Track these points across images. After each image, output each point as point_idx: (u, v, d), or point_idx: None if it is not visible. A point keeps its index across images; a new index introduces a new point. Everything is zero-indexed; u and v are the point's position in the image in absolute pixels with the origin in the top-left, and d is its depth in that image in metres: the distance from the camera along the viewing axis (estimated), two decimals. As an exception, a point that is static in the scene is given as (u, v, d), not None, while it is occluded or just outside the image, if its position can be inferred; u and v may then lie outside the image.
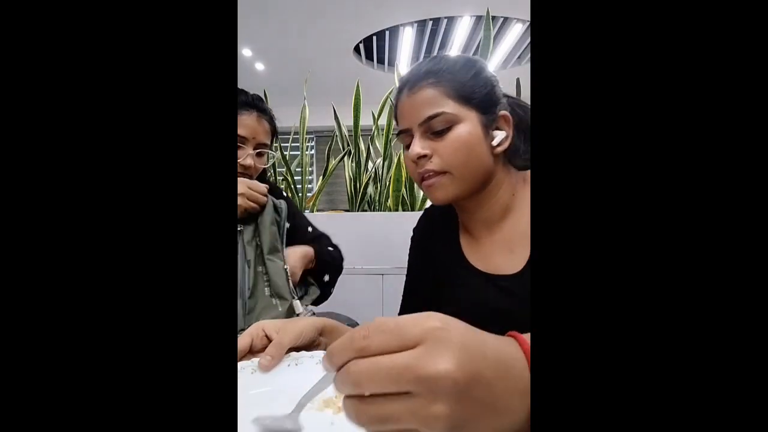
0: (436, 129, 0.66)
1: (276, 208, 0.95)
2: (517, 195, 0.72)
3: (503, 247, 0.71)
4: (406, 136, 0.70)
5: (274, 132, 1.08)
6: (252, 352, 0.53)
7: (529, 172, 0.74)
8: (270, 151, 1.05)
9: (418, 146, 0.66)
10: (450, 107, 0.66)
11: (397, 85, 0.72)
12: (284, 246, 0.95)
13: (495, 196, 0.71)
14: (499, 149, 0.69)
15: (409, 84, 0.69)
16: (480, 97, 0.67)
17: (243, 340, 0.53)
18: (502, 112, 0.70)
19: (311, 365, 0.50)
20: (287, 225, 0.99)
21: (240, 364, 0.50)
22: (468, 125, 0.66)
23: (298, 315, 0.89)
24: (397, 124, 0.72)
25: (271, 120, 1.05)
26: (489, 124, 0.68)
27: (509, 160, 0.73)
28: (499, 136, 0.68)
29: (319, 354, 0.52)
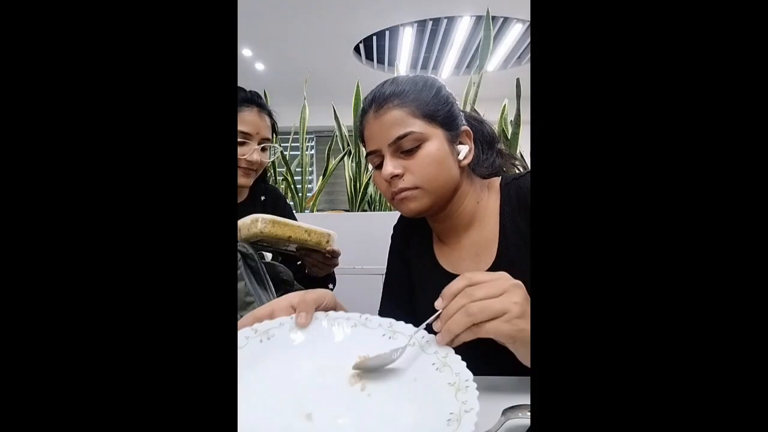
0: (406, 148, 0.68)
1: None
2: (481, 203, 0.76)
3: (470, 252, 0.76)
4: (375, 156, 0.72)
5: (275, 127, 1.10)
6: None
7: (491, 180, 0.79)
8: (273, 145, 1.08)
9: (390, 166, 0.69)
10: (417, 126, 0.68)
11: (362, 107, 0.75)
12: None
13: (462, 206, 0.74)
14: (465, 162, 0.72)
15: (375, 106, 0.71)
16: (443, 114, 0.71)
17: (263, 309, 0.56)
18: (464, 127, 0.74)
19: (347, 325, 0.56)
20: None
21: (279, 320, 0.55)
22: (435, 142, 0.69)
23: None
24: (365, 145, 0.75)
25: (270, 115, 1.07)
26: (453, 140, 0.72)
27: (473, 170, 0.77)
28: (463, 150, 0.72)
29: (355, 316, 0.58)
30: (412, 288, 0.83)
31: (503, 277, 0.50)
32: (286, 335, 0.54)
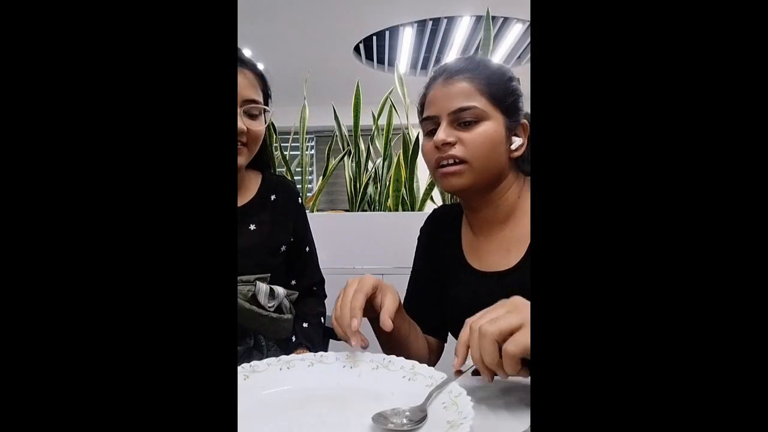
0: (465, 120, 0.69)
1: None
2: (521, 198, 0.76)
3: (500, 246, 0.75)
4: (430, 123, 0.73)
5: (266, 89, 0.90)
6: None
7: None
8: (266, 108, 0.87)
9: (443, 133, 0.69)
10: (482, 103, 0.69)
11: (432, 74, 0.76)
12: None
13: (503, 197, 0.74)
14: (516, 154, 0.73)
15: (446, 74, 0.72)
16: (509, 102, 0.72)
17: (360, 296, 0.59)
18: (523, 121, 0.74)
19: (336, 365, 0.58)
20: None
21: (302, 355, 0.59)
22: (494, 124, 0.70)
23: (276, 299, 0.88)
24: (422, 111, 0.76)
25: (256, 72, 0.88)
26: (511, 128, 0.72)
27: (520, 166, 0.78)
28: (516, 142, 0.73)
29: (378, 357, 0.58)
30: (439, 283, 0.82)
31: (512, 304, 0.51)
32: (305, 369, 0.56)
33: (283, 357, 0.57)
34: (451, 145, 0.70)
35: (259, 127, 0.85)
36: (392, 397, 0.50)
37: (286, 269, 0.97)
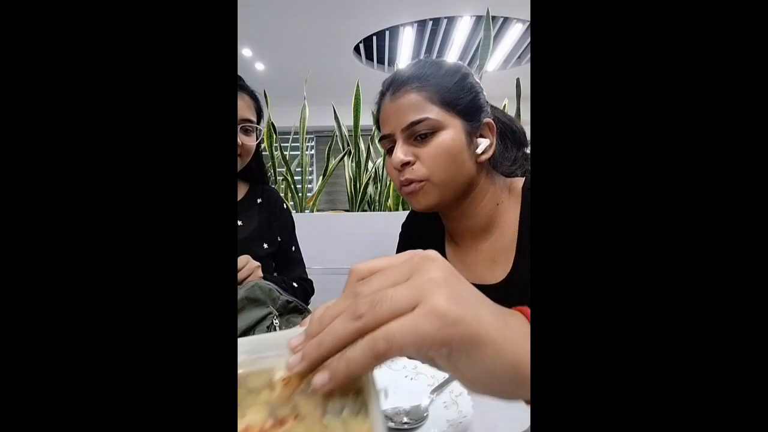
0: (420, 133, 0.65)
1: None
2: (501, 205, 0.71)
3: (486, 258, 0.71)
4: (387, 141, 0.69)
5: (259, 110, 1.06)
6: None
7: (514, 180, 0.73)
8: (258, 127, 1.03)
9: (401, 152, 0.66)
10: (434, 113, 0.65)
11: (380, 89, 0.71)
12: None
13: (479, 205, 0.70)
14: (483, 157, 0.68)
15: (393, 88, 0.68)
16: (464, 103, 0.67)
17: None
18: (486, 120, 0.69)
19: None
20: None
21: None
22: (451, 132, 0.65)
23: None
24: (379, 129, 0.71)
25: (253, 95, 1.03)
26: (473, 132, 0.67)
27: (494, 167, 0.73)
28: (482, 144, 0.68)
29: None
30: None
31: (408, 256, 0.30)
32: None
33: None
34: (410, 164, 0.65)
35: (252, 142, 1.01)
36: (394, 396, 0.50)
37: (275, 268, 1.07)
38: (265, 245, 1.05)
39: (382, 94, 0.70)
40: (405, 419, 0.45)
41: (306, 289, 1.10)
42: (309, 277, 1.14)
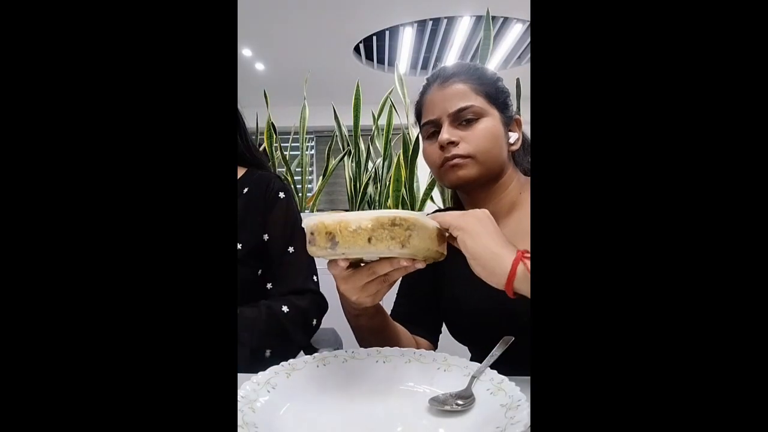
0: (466, 118, 0.74)
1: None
2: (524, 194, 0.78)
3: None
4: (431, 126, 0.77)
5: (242, 125, 0.96)
6: None
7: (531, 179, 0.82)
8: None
9: (447, 133, 0.73)
10: (479, 102, 0.74)
11: (425, 82, 0.81)
12: None
13: (505, 191, 0.78)
14: (514, 148, 0.79)
15: (440, 79, 0.78)
16: (501, 100, 0.77)
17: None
18: (516, 116, 0.80)
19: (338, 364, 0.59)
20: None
21: (335, 352, 0.59)
22: (492, 120, 0.75)
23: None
24: (421, 117, 0.80)
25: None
26: (507, 123, 0.78)
27: (518, 162, 0.82)
28: (513, 136, 0.78)
29: (409, 352, 0.60)
30: (434, 282, 0.82)
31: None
32: (340, 365, 0.57)
33: (317, 354, 0.59)
34: (455, 144, 0.73)
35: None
36: (434, 387, 0.53)
37: (262, 270, 0.87)
38: (239, 245, 0.83)
39: (428, 85, 0.80)
40: (458, 401, 0.48)
41: (305, 312, 0.83)
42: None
